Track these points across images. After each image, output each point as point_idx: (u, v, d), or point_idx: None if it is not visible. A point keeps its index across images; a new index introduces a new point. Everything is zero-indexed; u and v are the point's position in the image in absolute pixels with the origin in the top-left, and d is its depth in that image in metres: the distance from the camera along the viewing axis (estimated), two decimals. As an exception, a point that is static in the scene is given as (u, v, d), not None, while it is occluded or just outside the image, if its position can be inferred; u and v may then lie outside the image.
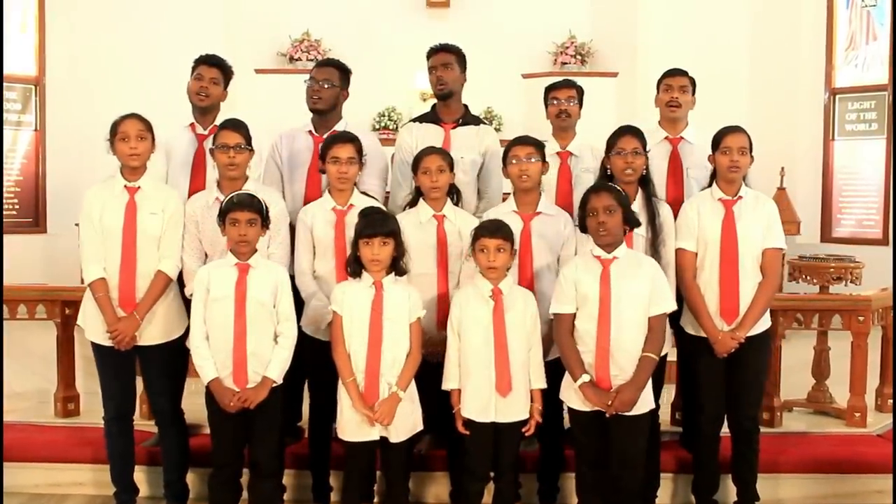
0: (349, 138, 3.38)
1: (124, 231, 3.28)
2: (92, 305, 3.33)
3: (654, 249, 3.33)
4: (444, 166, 3.38)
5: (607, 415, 3.02)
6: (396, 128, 7.96)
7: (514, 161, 3.34)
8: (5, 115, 7.15)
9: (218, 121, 3.72)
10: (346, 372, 3.08)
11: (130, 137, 3.27)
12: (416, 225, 3.39)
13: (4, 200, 7.12)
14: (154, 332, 3.35)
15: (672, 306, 3.18)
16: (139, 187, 3.32)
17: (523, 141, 3.40)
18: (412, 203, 3.48)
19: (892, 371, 4.42)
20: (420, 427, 3.20)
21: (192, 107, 3.80)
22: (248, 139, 3.36)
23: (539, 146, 3.39)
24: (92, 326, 3.36)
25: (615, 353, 3.03)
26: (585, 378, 3.03)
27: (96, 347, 3.38)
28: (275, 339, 3.14)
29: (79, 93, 7.39)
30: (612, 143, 3.39)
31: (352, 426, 3.09)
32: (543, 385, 3.17)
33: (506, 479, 3.23)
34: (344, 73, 3.82)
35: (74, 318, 4.18)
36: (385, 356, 3.06)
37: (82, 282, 3.49)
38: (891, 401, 4.37)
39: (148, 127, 3.32)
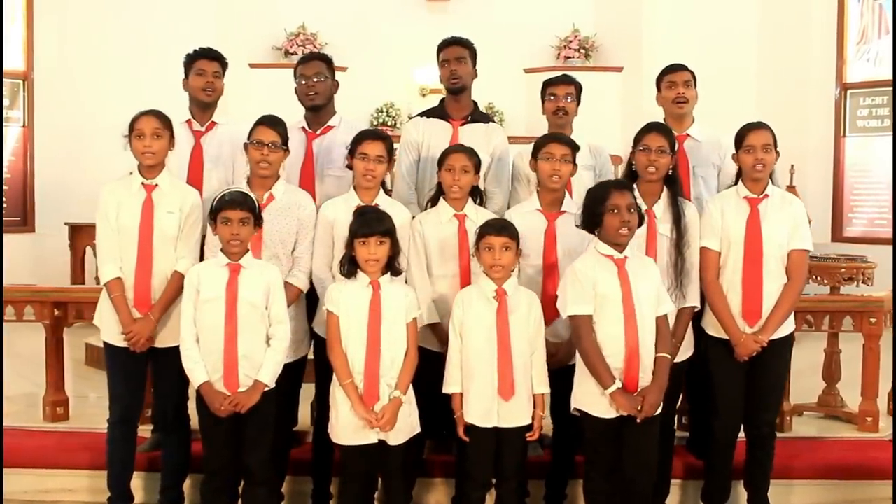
0: (381, 136, 3.33)
1: (140, 230, 3.22)
2: (108, 305, 3.27)
3: (679, 251, 3.24)
4: (468, 166, 3.31)
5: (638, 420, 2.94)
6: (395, 124, 7.87)
7: (547, 158, 3.26)
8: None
9: (215, 116, 3.68)
10: (344, 374, 3.01)
11: (146, 135, 3.22)
12: (436, 224, 3.34)
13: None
14: (169, 334, 3.26)
15: (671, 307, 3.12)
16: (157, 185, 3.27)
17: (561, 139, 3.33)
18: (433, 202, 3.42)
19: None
20: (418, 429, 3.14)
21: (191, 102, 3.71)
22: (285, 138, 3.31)
23: (575, 148, 3.32)
24: (108, 327, 3.30)
25: (642, 355, 2.95)
26: (618, 385, 2.94)
27: (109, 348, 3.32)
28: (267, 341, 3.07)
29: (68, 88, 7.34)
30: (638, 138, 3.31)
31: (348, 430, 3.03)
32: (546, 390, 3.11)
33: (507, 486, 3.16)
34: (329, 64, 3.77)
35: (64, 320, 4.19)
36: (384, 357, 3.01)
37: (97, 281, 3.40)
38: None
39: (166, 125, 3.27)
